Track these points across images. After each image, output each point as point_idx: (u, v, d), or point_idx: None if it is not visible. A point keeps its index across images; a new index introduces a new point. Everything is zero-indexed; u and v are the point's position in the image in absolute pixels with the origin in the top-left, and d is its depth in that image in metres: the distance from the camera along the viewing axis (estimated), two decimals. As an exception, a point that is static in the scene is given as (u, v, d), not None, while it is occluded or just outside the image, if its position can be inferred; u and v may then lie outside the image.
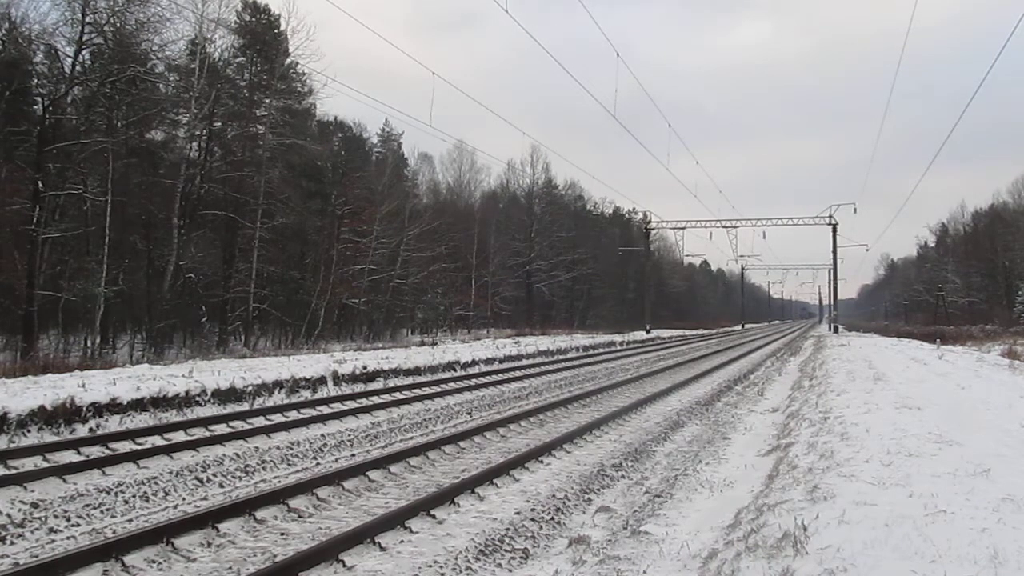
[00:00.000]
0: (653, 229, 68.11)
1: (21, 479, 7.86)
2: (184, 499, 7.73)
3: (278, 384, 15.21)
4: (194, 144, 33.53)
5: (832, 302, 77.28)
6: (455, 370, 21.81)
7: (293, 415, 12.84)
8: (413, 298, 48.85)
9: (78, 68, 27.90)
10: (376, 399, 15.11)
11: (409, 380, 18.78)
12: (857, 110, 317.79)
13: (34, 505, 7.16)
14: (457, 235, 53.66)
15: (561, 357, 29.79)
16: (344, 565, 5.69)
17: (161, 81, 32.17)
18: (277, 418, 12.47)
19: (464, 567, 5.71)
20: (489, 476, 8.36)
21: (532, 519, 6.94)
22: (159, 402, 12.50)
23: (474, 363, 23.16)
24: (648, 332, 57.82)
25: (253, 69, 37.61)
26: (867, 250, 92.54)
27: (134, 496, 7.65)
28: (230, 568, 5.69)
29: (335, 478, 8.12)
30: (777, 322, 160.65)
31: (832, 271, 68.75)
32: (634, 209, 79.53)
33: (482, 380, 19.06)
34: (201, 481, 8.37)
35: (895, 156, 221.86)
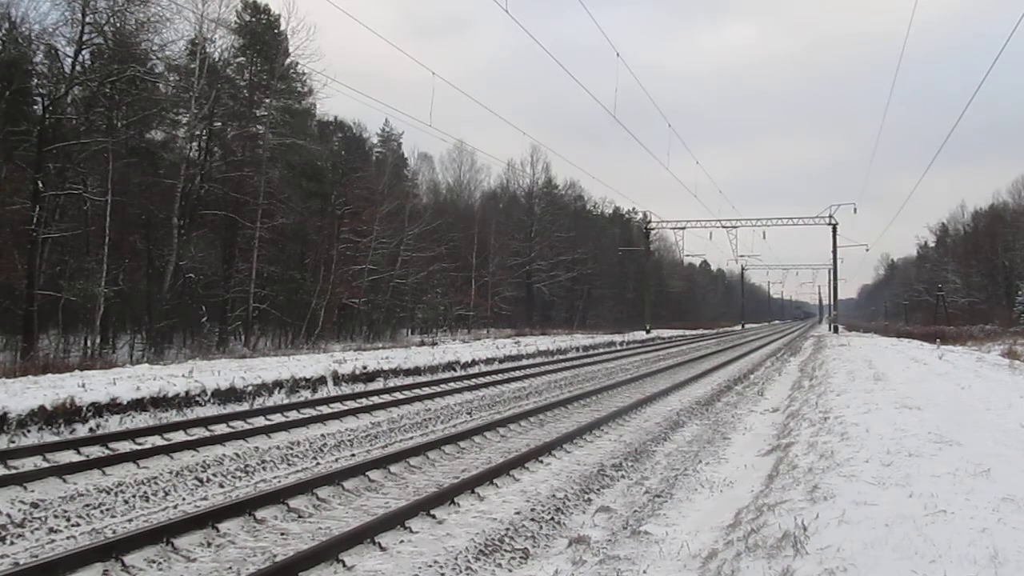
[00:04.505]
0: (653, 229, 68.10)
1: (21, 479, 7.86)
2: (184, 499, 7.72)
3: (278, 384, 15.21)
4: (194, 144, 33.57)
5: (832, 302, 77.31)
6: (455, 370, 21.81)
7: (293, 415, 12.85)
8: (413, 298, 48.86)
9: (78, 68, 27.92)
10: (376, 399, 15.11)
11: (409, 380, 18.77)
12: (854, 110, 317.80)
13: (34, 505, 7.16)
14: (457, 235, 53.67)
15: (561, 357, 29.78)
16: (344, 565, 5.69)
17: (161, 81, 32.20)
18: (277, 418, 12.48)
19: (464, 567, 5.71)
20: (489, 476, 8.36)
21: (532, 519, 6.94)
22: (159, 402, 12.50)
23: (474, 363, 23.16)
24: (648, 332, 57.80)
25: (253, 69, 37.64)
26: (867, 250, 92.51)
27: (134, 496, 7.65)
28: (230, 568, 5.69)
29: (335, 478, 8.12)
30: (777, 322, 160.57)
31: (832, 271, 68.78)
32: (634, 209, 79.70)
33: (482, 380, 19.05)
34: (201, 481, 8.37)
35: (895, 156, 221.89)
